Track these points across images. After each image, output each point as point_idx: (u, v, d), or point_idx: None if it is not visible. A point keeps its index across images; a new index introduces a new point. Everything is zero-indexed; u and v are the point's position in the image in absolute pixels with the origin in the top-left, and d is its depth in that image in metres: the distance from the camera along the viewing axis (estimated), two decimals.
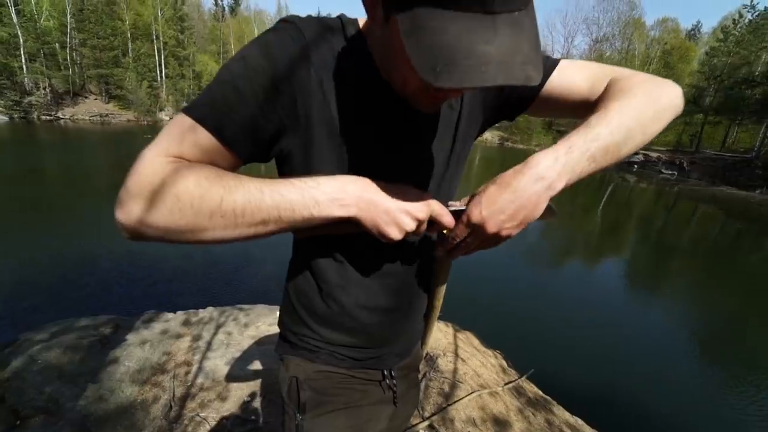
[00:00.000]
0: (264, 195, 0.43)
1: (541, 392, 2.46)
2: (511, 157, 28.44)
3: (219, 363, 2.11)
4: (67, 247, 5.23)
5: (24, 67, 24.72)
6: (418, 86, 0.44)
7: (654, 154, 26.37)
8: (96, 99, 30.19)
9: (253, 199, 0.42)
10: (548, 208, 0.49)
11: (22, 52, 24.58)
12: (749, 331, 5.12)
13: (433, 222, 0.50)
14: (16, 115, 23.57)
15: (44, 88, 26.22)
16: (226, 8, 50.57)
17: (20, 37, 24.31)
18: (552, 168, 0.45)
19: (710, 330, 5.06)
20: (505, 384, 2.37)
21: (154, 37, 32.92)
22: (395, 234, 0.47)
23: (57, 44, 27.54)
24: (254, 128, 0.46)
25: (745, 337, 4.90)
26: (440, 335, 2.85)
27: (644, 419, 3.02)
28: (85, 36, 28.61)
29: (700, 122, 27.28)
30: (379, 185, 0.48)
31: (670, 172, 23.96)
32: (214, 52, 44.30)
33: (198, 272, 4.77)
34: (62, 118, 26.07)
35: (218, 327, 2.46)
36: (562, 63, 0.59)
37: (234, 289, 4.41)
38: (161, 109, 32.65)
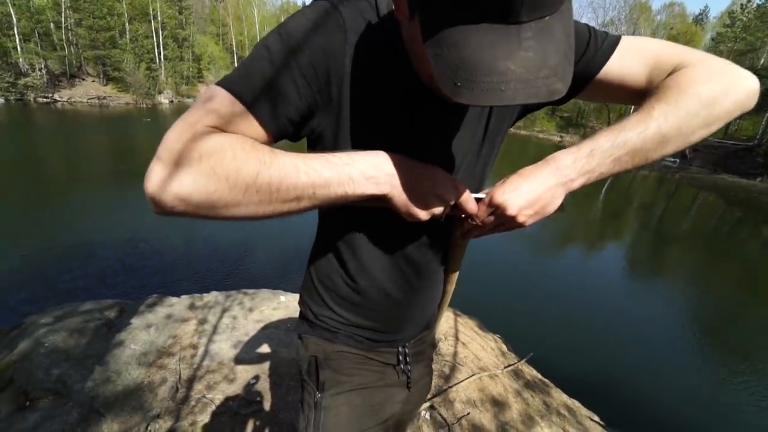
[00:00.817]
0: (299, 171, 0.42)
1: (539, 375, 2.51)
2: (514, 143, 28.21)
3: (224, 346, 2.14)
4: (68, 232, 5.24)
5: (18, 47, 24.24)
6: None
7: None
8: (94, 81, 29.73)
9: (289, 175, 0.41)
10: (559, 206, 0.52)
11: (15, 31, 24.06)
12: (746, 317, 5.19)
13: (456, 206, 0.51)
14: (12, 97, 23.26)
15: (40, 70, 25.77)
16: None
17: (13, 16, 23.74)
18: (571, 167, 0.48)
19: (707, 316, 5.12)
20: (505, 367, 2.42)
21: (152, 17, 32.17)
22: (423, 215, 0.48)
23: (52, 24, 26.94)
24: (288, 105, 0.46)
25: (742, 323, 4.97)
26: (442, 320, 2.89)
27: (641, 403, 3.09)
28: (81, 15, 27.95)
29: None
30: (412, 165, 0.48)
31: (672, 159, 23.77)
32: (213, 34, 43.39)
33: (201, 258, 4.80)
34: (59, 101, 25.73)
35: (223, 311, 2.49)
36: (623, 44, 0.53)
37: (237, 274, 4.45)
38: (160, 92, 32.21)
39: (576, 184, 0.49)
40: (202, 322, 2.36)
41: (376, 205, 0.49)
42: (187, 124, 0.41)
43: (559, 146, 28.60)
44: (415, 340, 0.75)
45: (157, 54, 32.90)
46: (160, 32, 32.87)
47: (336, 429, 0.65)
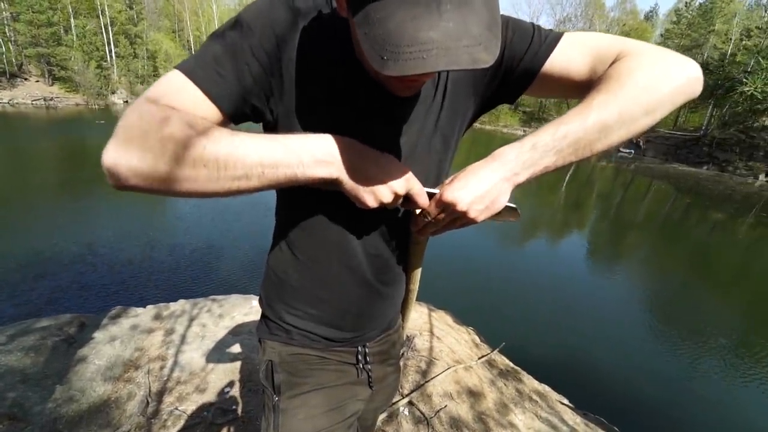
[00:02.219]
0: (248, 149, 0.42)
1: (511, 364, 2.62)
2: (480, 137, 28.93)
3: (195, 355, 2.08)
4: (19, 245, 4.85)
5: None
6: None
7: None
8: (38, 81, 27.52)
9: (237, 152, 0.42)
10: (512, 210, 0.53)
11: None
12: (697, 295, 5.65)
13: (409, 199, 0.52)
14: None
15: None
16: None
17: None
18: (515, 161, 0.48)
19: (663, 296, 5.52)
20: (479, 358, 2.51)
21: (99, 11, 30.15)
22: (371, 202, 0.48)
23: None
24: (241, 86, 0.47)
25: (693, 301, 5.41)
26: (416, 315, 2.94)
27: (606, 383, 3.30)
28: (18, 9, 25.67)
29: None
30: (364, 151, 0.48)
31: (627, 150, 25.30)
32: (168, 29, 41.26)
33: (166, 265, 4.59)
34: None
35: (192, 319, 2.41)
36: (565, 39, 0.55)
37: (206, 280, 4.30)
38: (113, 92, 30.34)
39: (521, 178, 0.49)
40: (170, 332, 2.27)
41: (328, 189, 0.50)
42: (142, 103, 0.42)
43: None
44: (376, 340, 0.75)
45: (108, 51, 30.92)
46: (110, 28, 30.89)
47: (294, 430, 0.66)
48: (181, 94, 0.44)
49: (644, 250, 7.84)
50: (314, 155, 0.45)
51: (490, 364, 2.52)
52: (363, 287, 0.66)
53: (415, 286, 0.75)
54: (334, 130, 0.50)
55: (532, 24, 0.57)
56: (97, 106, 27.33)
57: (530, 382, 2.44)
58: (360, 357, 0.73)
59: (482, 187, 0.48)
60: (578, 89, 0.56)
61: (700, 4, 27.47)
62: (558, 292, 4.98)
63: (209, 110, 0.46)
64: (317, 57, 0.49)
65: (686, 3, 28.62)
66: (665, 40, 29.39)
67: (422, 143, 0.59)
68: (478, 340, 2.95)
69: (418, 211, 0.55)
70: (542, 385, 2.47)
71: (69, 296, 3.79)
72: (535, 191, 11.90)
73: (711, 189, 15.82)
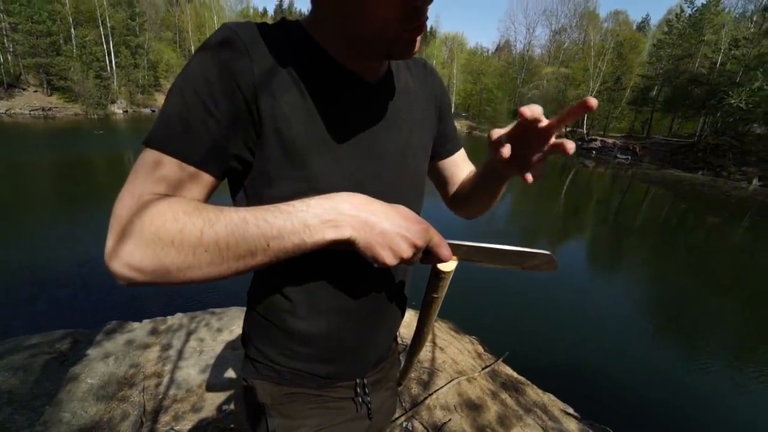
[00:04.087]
0: (248, 224, 0.40)
1: (515, 374, 2.57)
2: (479, 146, 29.09)
3: (192, 372, 2.02)
4: (11, 259, 4.78)
5: None
6: (396, 16, 0.43)
7: (610, 140, 27.89)
8: (36, 91, 27.58)
9: (236, 230, 0.40)
10: (548, 258, 0.52)
11: None
12: (698, 299, 5.61)
13: (429, 252, 0.48)
14: None
15: None
16: None
17: None
18: None
19: (664, 302, 5.49)
20: (482, 369, 2.45)
21: (100, 22, 30.39)
22: (390, 259, 0.44)
23: None
24: (215, 139, 0.44)
25: (694, 306, 5.37)
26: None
27: (611, 391, 3.24)
28: (16, 20, 25.81)
29: (650, 111, 29.17)
30: (374, 204, 0.45)
31: (624, 157, 25.46)
32: (170, 40, 41.63)
33: None
34: None
35: (189, 334, 2.36)
36: (462, 151, 0.75)
37: (204, 292, 4.22)
38: (113, 102, 30.43)
39: None
40: (166, 347, 2.21)
41: (339, 249, 0.46)
42: (128, 194, 0.42)
43: None
44: (374, 369, 0.70)
45: (108, 62, 31.09)
46: (111, 39, 31.12)
47: None
48: (162, 174, 0.43)
49: (644, 255, 7.82)
50: (320, 217, 0.41)
51: (494, 374, 2.47)
52: (361, 321, 0.61)
53: (429, 328, 0.70)
54: (316, 134, 0.49)
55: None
56: (96, 116, 27.36)
57: (535, 393, 2.39)
58: (359, 390, 0.67)
59: None
60: (444, 189, 0.78)
61: (690, 15, 27.97)
62: (560, 299, 4.94)
63: (196, 178, 0.45)
64: (279, 76, 0.47)
65: (676, 14, 29.11)
66: (658, 50, 29.85)
67: (400, 147, 0.59)
68: (481, 349, 2.90)
69: (441, 266, 0.50)
70: (547, 394, 2.42)
71: (63, 311, 3.71)
72: (535, 198, 11.92)
73: (707, 194, 15.89)
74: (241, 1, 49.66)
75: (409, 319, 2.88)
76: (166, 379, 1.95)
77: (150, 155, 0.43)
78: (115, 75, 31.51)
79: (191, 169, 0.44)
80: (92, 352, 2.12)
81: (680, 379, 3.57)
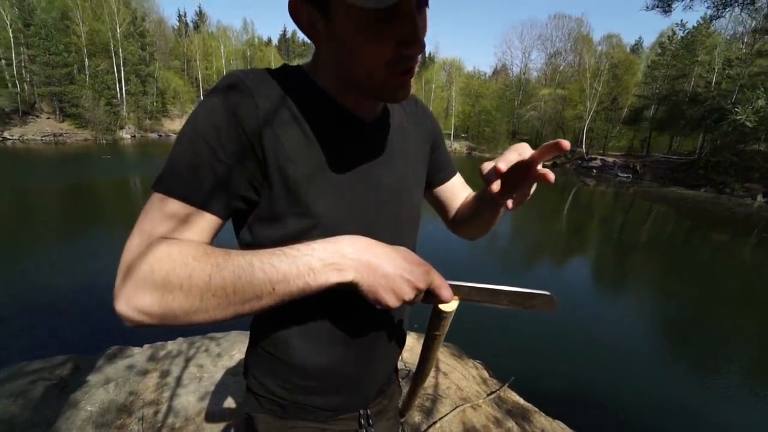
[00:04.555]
0: (254, 268, 0.41)
1: (521, 400, 2.50)
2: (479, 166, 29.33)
3: (191, 399, 2.00)
4: (15, 282, 4.81)
5: None
6: (386, 61, 0.46)
7: (610, 159, 28.10)
8: (49, 118, 28.40)
9: (243, 274, 0.41)
10: (548, 298, 0.54)
11: None
12: (707, 319, 5.49)
13: (431, 293, 0.49)
14: None
15: None
16: (190, 24, 49.69)
17: None
18: None
19: (672, 322, 5.37)
20: (487, 395, 2.40)
21: (113, 53, 31.65)
22: (392, 302, 0.45)
23: (3, 61, 25.83)
24: (222, 182, 0.47)
25: (703, 325, 5.25)
26: (420, 349, 2.85)
27: (620, 414, 3.13)
28: (35, 52, 26.97)
29: (648, 129, 29.51)
30: (376, 247, 0.46)
31: (625, 175, 25.56)
32: (178, 68, 43.14)
33: None
34: (9, 139, 24.30)
35: (188, 360, 2.34)
36: (458, 175, 0.80)
37: None
38: (121, 128, 31.23)
39: None
40: (165, 374, 2.19)
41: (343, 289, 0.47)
42: (138, 238, 0.44)
43: None
44: (376, 399, 0.71)
45: (119, 89, 32.15)
46: (122, 68, 32.30)
47: None
48: (170, 217, 0.45)
49: (651, 274, 7.71)
50: (324, 260, 0.43)
51: (500, 400, 2.41)
52: (362, 352, 0.62)
53: (431, 363, 0.71)
54: (322, 176, 0.52)
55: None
56: (104, 141, 28.01)
57: (543, 420, 2.32)
58: (362, 421, 0.67)
59: None
60: (444, 213, 0.82)
61: (682, 37, 28.77)
62: (567, 321, 4.85)
63: (203, 220, 0.47)
64: (283, 118, 0.50)
65: (668, 37, 29.96)
66: (652, 71, 30.53)
67: (409, 170, 0.64)
68: (486, 374, 2.84)
69: (442, 307, 0.52)
70: (556, 421, 2.35)
71: (65, 335, 3.70)
72: (537, 217, 11.92)
73: (710, 211, 15.80)
74: (246, 32, 51.69)
75: (412, 343, 2.84)
76: (164, 407, 1.93)
77: (158, 199, 0.45)
78: (124, 102, 32.50)
79: (198, 211, 0.46)
80: (92, 378, 2.11)
81: (693, 403, 3.45)
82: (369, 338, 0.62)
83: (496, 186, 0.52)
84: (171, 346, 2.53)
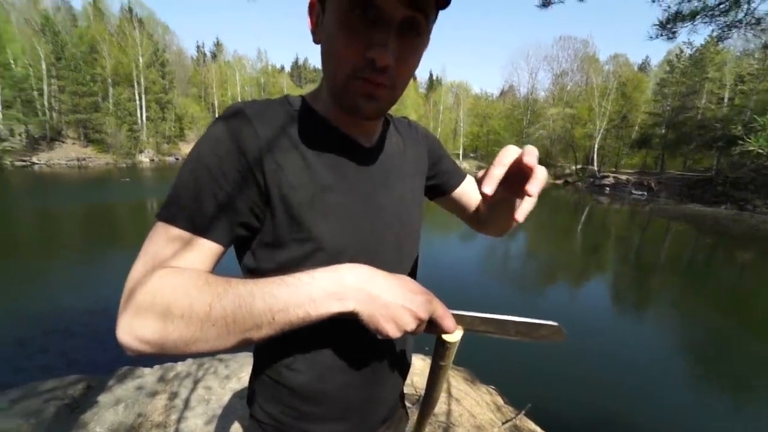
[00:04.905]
0: (255, 298, 0.41)
1: (539, 429, 2.39)
2: None
3: (198, 422, 1.97)
4: (31, 302, 4.92)
5: None
6: (354, 64, 0.47)
7: (623, 177, 27.71)
8: (74, 143, 29.78)
9: (243, 304, 0.41)
10: (556, 329, 0.52)
11: None
12: (736, 341, 5.21)
13: (433, 323, 0.49)
14: None
15: (20, 134, 25.77)
16: (208, 54, 52.22)
17: None
18: None
19: (698, 345, 5.11)
20: (503, 423, 2.30)
21: (136, 82, 33.34)
22: (393, 332, 0.44)
23: (35, 92, 27.44)
24: (223, 211, 0.48)
25: (732, 348, 4.97)
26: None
27: None
28: (64, 83, 28.66)
29: (686, 147, 29.02)
30: (378, 276, 0.46)
31: (639, 192, 25.10)
32: (195, 95, 45.08)
33: None
34: (37, 164, 25.46)
35: (196, 381, 2.32)
36: (470, 178, 0.81)
37: None
38: (141, 152, 32.46)
39: None
40: (174, 396, 2.18)
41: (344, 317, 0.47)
42: (141, 266, 0.44)
43: None
44: (382, 426, 0.70)
45: (139, 115, 33.64)
46: (143, 96, 33.90)
47: None
48: (172, 245, 0.46)
49: (673, 294, 7.42)
50: (324, 290, 0.42)
51: (516, 429, 2.31)
52: (366, 378, 0.62)
53: (438, 393, 0.69)
54: (323, 201, 0.53)
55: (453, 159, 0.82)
56: (125, 165, 29.10)
57: None
58: None
59: None
60: (466, 214, 0.81)
61: (690, 55, 28.81)
62: (585, 345, 4.66)
63: (205, 248, 0.47)
64: (283, 146, 0.51)
65: (676, 55, 30.04)
66: (662, 88, 30.49)
67: (407, 191, 0.65)
68: (500, 401, 2.73)
69: (446, 337, 0.51)
70: None
71: (79, 354, 3.73)
72: (549, 237, 11.73)
73: (732, 229, 15.28)
74: (260, 60, 53.93)
75: (423, 367, 2.77)
76: (171, 430, 1.91)
77: (162, 227, 0.47)
78: (144, 127, 33.91)
79: (200, 239, 0.47)
80: (103, 398, 2.11)
81: (715, 425, 3.24)
82: (372, 366, 0.62)
83: (488, 190, 0.48)
84: (180, 367, 2.53)
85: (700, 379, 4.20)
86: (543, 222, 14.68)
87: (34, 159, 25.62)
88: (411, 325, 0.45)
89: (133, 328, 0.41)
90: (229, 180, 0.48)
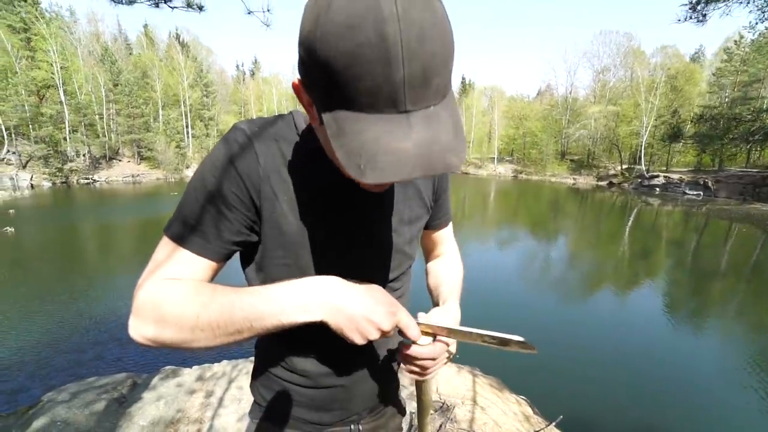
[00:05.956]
0: (235, 308, 0.47)
1: None
2: (528, 188, 28.27)
3: (230, 420, 2.09)
4: (87, 307, 5.43)
5: (67, 137, 27.34)
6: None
7: (675, 176, 25.65)
8: (129, 161, 32.63)
9: (225, 312, 0.47)
10: (523, 344, 0.53)
11: (66, 125, 27.32)
12: None
13: (400, 331, 0.53)
14: (57, 181, 25.66)
15: (84, 155, 28.69)
16: (247, 72, 55.24)
17: (66, 113, 27.14)
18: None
19: (764, 359, 4.59)
20: None
21: (182, 102, 36.01)
22: (358, 340, 0.49)
23: (96, 116, 30.48)
24: (221, 232, 0.53)
25: None
26: (459, 382, 2.73)
27: None
28: (120, 106, 31.61)
29: (719, 142, 26.69)
30: (349, 289, 0.49)
31: (695, 192, 23.12)
32: (235, 112, 47.84)
33: None
34: (98, 181, 28.15)
35: (230, 381, 2.46)
36: (449, 227, 0.84)
37: (251, 341, 4.41)
38: (187, 167, 34.88)
39: None
40: (209, 394, 2.33)
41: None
42: (147, 276, 0.52)
43: (572, 188, 28.54)
44: (371, 416, 0.74)
45: (185, 133, 36.23)
46: (188, 114, 36.51)
47: None
48: (176, 259, 0.53)
49: (735, 305, 6.73)
50: (295, 302, 0.47)
51: None
52: (350, 373, 0.67)
53: (427, 397, 0.71)
54: (312, 233, 0.57)
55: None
56: (173, 179, 31.38)
57: None
58: None
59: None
60: (428, 252, 0.86)
61: (752, 40, 26.28)
62: (628, 357, 4.36)
63: (201, 264, 0.54)
64: (281, 169, 0.55)
65: (735, 41, 27.56)
66: (718, 79, 28.04)
67: (404, 215, 0.66)
68: (530, 411, 2.63)
69: (414, 347, 0.55)
70: None
71: (129, 355, 4.07)
72: (594, 241, 11.10)
73: None
74: (295, 74, 56.02)
75: (446, 374, 2.74)
76: (206, 426, 2.03)
77: (165, 242, 0.53)
78: (190, 144, 36.44)
79: (197, 257, 0.53)
80: (146, 395, 2.29)
81: None
82: (355, 364, 0.68)
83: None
84: (217, 368, 2.69)
85: (763, 397, 3.77)
86: (587, 226, 13.91)
87: (95, 177, 28.35)
88: (374, 334, 0.49)
89: (139, 330, 0.50)
90: (227, 202, 0.52)
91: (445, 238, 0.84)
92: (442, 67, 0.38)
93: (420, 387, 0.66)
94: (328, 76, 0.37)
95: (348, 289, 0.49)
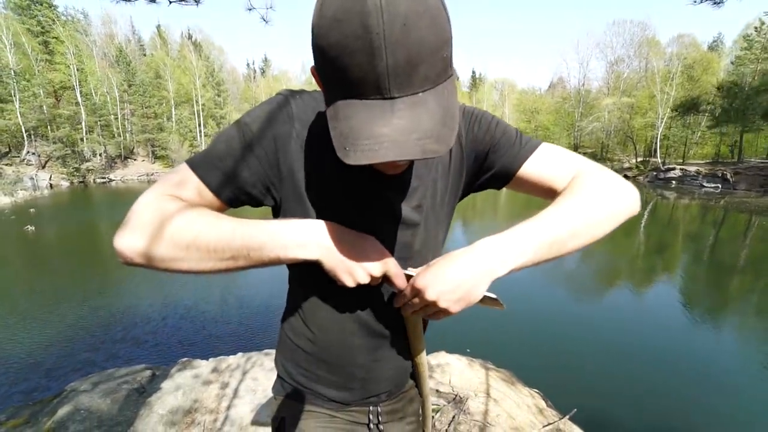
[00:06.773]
0: (235, 234, 0.48)
1: None
2: None
3: (245, 410, 2.13)
4: (106, 302, 5.58)
5: (84, 137, 28.04)
6: None
7: (692, 168, 24.97)
8: (144, 160, 33.34)
9: (225, 237, 0.48)
10: (493, 300, 0.53)
11: (83, 125, 28.01)
12: None
13: (388, 280, 0.55)
14: (75, 180, 26.37)
15: (100, 155, 29.41)
16: (257, 70, 55.73)
17: (83, 114, 27.82)
18: (494, 255, 0.50)
19: None
20: (543, 426, 2.21)
21: (194, 102, 36.53)
22: (348, 282, 0.51)
23: (111, 116, 31.16)
24: (237, 178, 0.53)
25: None
26: (471, 374, 2.73)
27: None
28: (134, 107, 32.24)
29: (738, 131, 25.81)
30: (344, 234, 0.52)
31: (713, 185, 22.49)
32: (246, 110, 48.38)
33: (231, 319, 4.90)
34: (113, 180, 28.87)
35: (245, 373, 2.51)
36: (540, 150, 0.62)
37: (263, 333, 4.48)
38: None
39: (499, 273, 0.50)
40: (225, 385, 2.37)
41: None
42: (152, 193, 0.51)
43: None
44: (390, 399, 0.75)
45: (198, 132, 36.77)
46: (201, 113, 37.02)
47: None
48: (186, 185, 0.53)
49: (756, 297, 6.54)
50: (294, 238, 0.50)
51: None
52: (369, 353, 0.68)
53: (423, 368, 0.74)
54: (328, 206, 0.56)
55: (516, 129, 0.65)
56: None
57: None
58: (371, 416, 0.73)
59: (456, 278, 0.49)
60: (546, 194, 0.63)
61: None
62: (644, 350, 4.29)
63: (209, 198, 0.54)
64: (314, 141, 0.55)
65: (756, 28, 26.55)
66: (737, 67, 27.08)
67: (413, 214, 0.61)
68: (543, 404, 2.62)
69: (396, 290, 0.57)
70: None
71: (148, 347, 4.19)
72: (608, 235, 10.87)
73: None
74: (304, 72, 56.41)
75: (461, 367, 2.74)
76: (222, 416, 2.08)
77: (184, 170, 0.53)
78: (203, 142, 36.94)
79: (205, 190, 0.53)
80: (165, 385, 2.36)
81: None
82: (375, 343, 0.67)
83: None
84: (231, 360, 2.74)
85: None
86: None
87: (111, 176, 29.07)
88: (364, 278, 0.52)
89: (130, 239, 0.47)
90: (254, 153, 0.53)
91: (543, 161, 0.62)
92: (431, 54, 0.39)
93: (412, 334, 0.68)
94: (325, 65, 0.41)
95: (344, 234, 0.52)
